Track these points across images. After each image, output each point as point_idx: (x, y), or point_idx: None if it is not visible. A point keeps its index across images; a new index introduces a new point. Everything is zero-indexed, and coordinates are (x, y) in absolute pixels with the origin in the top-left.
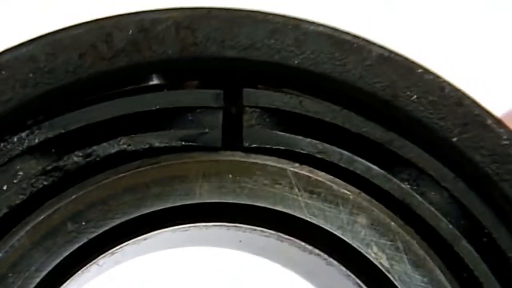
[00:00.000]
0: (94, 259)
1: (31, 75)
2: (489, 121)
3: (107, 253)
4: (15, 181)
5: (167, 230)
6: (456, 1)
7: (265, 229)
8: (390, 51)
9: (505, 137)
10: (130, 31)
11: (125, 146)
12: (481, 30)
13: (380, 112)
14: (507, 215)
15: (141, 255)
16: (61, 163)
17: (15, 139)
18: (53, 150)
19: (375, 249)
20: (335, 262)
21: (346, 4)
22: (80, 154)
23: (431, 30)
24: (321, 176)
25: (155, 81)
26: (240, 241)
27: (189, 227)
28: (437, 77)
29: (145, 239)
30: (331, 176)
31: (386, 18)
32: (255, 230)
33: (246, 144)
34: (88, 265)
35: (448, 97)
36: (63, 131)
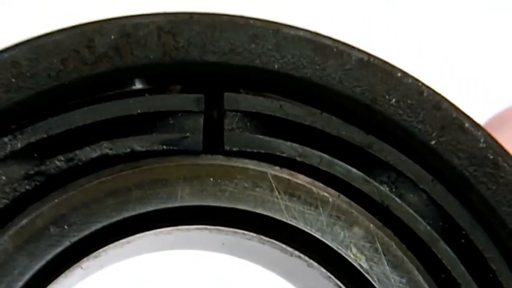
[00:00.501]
0: (77, 262)
1: (13, 80)
2: (467, 125)
3: (89, 256)
4: None
5: (150, 233)
6: (456, 1)
7: (246, 232)
8: (370, 55)
9: (482, 140)
10: (112, 36)
11: (107, 150)
12: (481, 30)
13: (359, 116)
14: (483, 217)
15: (125, 258)
16: (43, 167)
17: None
18: (35, 155)
19: (354, 250)
20: (315, 264)
21: (346, 4)
22: (63, 158)
23: (430, 30)
24: (301, 179)
25: (137, 86)
26: (223, 243)
27: (172, 230)
28: (416, 80)
29: (128, 242)
30: (311, 179)
31: (386, 19)
32: (236, 232)
33: (227, 148)
34: (71, 269)
35: (427, 101)
36: (45, 135)
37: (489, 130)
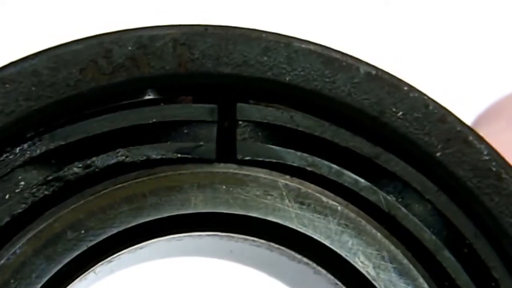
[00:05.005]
0: (92, 267)
1: (33, 88)
2: (471, 137)
3: (104, 261)
4: (16, 190)
5: (162, 239)
6: (456, 6)
7: (256, 239)
8: (377, 69)
9: (485, 152)
10: (129, 47)
11: (123, 157)
12: (480, 31)
13: (367, 128)
14: (487, 227)
15: (136, 264)
16: (61, 173)
17: (17, 150)
18: (53, 161)
19: (362, 258)
20: (323, 271)
21: (347, 16)
22: (80, 165)
23: (425, 25)
24: (311, 188)
25: (152, 96)
26: (231, 251)
27: (184, 236)
28: (422, 94)
29: (141, 248)
30: (320, 188)
31: (386, 25)
32: (246, 239)
33: (239, 157)
34: (86, 273)
35: (432, 114)
36: (63, 142)
37: (486, 119)
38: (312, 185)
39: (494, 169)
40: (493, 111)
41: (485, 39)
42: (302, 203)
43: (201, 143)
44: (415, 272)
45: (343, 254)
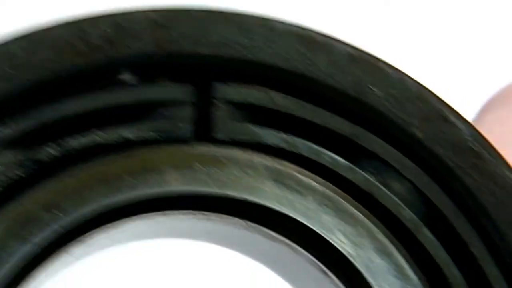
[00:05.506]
0: (65, 247)
1: (9, 70)
2: (450, 116)
3: (77, 241)
4: None
5: (138, 220)
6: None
7: (234, 219)
8: (356, 49)
9: (466, 131)
10: (106, 29)
11: (98, 138)
12: (482, 31)
13: (346, 107)
14: (466, 205)
15: (111, 246)
16: (36, 155)
17: None
18: (28, 143)
19: (340, 236)
20: (302, 250)
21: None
22: (55, 146)
23: (429, 34)
24: (290, 167)
25: (129, 77)
26: (209, 232)
27: (160, 216)
28: (401, 73)
29: (114, 227)
30: (299, 168)
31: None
32: (224, 219)
33: (217, 137)
34: (58, 253)
35: (411, 92)
36: (38, 124)
37: (492, 106)
38: (291, 165)
39: (474, 148)
40: (499, 98)
41: (487, 39)
42: (280, 183)
43: (178, 123)
44: (394, 250)
45: (321, 233)
